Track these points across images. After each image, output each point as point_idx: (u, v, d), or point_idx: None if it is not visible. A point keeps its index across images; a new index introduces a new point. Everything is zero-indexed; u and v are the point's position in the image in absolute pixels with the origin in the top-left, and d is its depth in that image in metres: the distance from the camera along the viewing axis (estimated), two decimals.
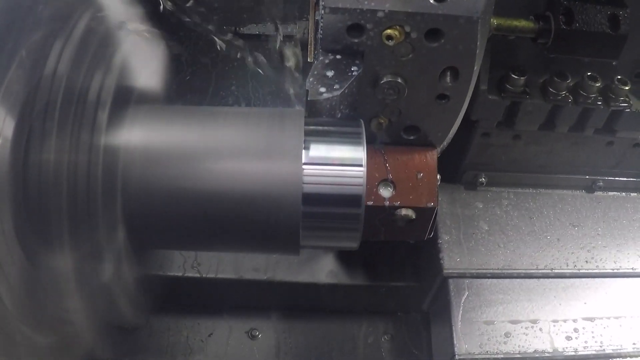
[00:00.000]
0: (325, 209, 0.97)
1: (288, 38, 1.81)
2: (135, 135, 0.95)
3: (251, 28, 1.84)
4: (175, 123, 1.00)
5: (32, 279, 0.86)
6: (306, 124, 1.00)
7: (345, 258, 1.63)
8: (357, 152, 0.97)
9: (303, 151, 0.93)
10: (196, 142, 0.97)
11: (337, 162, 0.96)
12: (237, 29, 1.83)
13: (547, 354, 1.35)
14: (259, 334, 1.64)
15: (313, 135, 0.98)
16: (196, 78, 1.85)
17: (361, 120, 1.05)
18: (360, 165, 0.96)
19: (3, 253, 0.79)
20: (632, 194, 1.65)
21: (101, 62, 0.95)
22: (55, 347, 0.93)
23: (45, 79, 0.84)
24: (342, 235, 1.04)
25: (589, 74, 1.39)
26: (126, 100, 0.99)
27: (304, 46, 1.70)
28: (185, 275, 1.61)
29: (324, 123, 1.03)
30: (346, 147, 0.98)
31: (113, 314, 1.01)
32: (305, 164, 0.93)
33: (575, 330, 1.40)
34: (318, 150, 0.96)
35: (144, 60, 1.08)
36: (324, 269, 1.61)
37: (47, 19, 0.86)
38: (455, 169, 1.57)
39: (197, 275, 1.61)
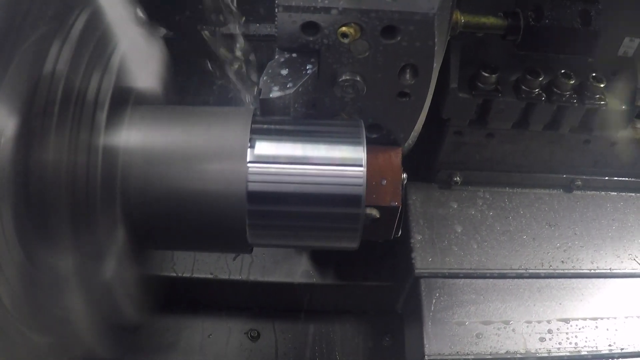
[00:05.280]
0: (324, 209, 0.97)
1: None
2: (134, 136, 0.95)
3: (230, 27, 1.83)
4: (173, 123, 1.00)
5: (31, 279, 0.86)
6: (305, 124, 1.01)
7: (320, 258, 1.62)
8: (357, 152, 0.96)
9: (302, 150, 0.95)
10: (188, 143, 0.97)
11: (337, 162, 0.96)
12: (216, 28, 1.83)
13: (519, 355, 1.34)
14: (258, 335, 1.64)
15: (312, 135, 0.98)
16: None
17: (361, 120, 1.04)
18: (360, 165, 0.96)
19: (3, 252, 0.79)
20: (612, 193, 1.63)
21: (99, 62, 0.95)
22: (55, 347, 0.93)
23: (43, 79, 0.84)
24: (341, 235, 1.03)
25: (562, 71, 1.37)
26: (125, 100, 0.99)
27: None
28: (162, 274, 1.61)
29: (323, 124, 1.03)
30: (345, 147, 0.97)
31: (113, 313, 1.02)
32: (302, 163, 0.94)
33: (550, 331, 1.38)
34: (318, 150, 0.96)
35: (142, 60, 1.08)
36: (298, 269, 1.60)
37: (45, 19, 0.86)
38: (430, 168, 1.55)
39: (173, 274, 1.61)
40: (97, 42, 0.96)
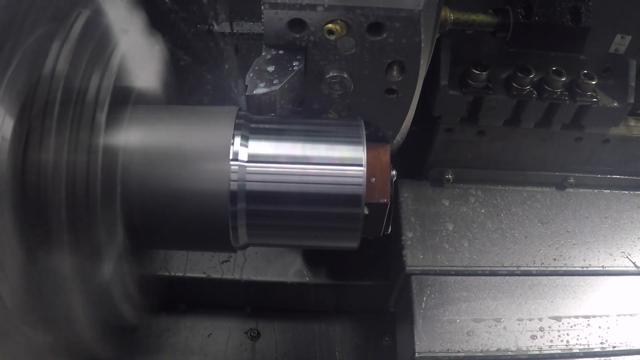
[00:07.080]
0: (324, 209, 0.97)
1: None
2: (134, 136, 0.96)
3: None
4: (172, 123, 1.00)
5: (32, 278, 0.86)
6: (306, 124, 1.01)
7: (313, 257, 1.62)
8: (357, 152, 0.96)
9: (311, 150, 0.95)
10: (183, 143, 0.97)
11: (337, 162, 0.96)
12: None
13: (510, 353, 1.33)
14: (258, 335, 1.65)
15: (311, 134, 0.98)
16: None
17: (361, 119, 1.04)
18: (361, 165, 0.96)
19: (4, 251, 0.80)
20: (605, 191, 1.62)
21: (99, 61, 0.95)
22: (55, 347, 0.93)
23: (43, 79, 0.85)
24: (341, 235, 1.03)
25: (554, 68, 1.37)
26: (124, 100, 0.99)
27: None
28: (155, 274, 1.61)
29: (322, 123, 1.03)
30: (345, 146, 0.97)
31: (113, 313, 1.02)
32: (302, 163, 0.93)
33: (541, 329, 1.38)
34: (318, 149, 0.96)
35: (142, 60, 1.08)
36: (291, 268, 1.60)
37: (45, 19, 0.87)
38: (421, 165, 1.55)
39: (166, 274, 1.61)
40: (97, 42, 0.96)
